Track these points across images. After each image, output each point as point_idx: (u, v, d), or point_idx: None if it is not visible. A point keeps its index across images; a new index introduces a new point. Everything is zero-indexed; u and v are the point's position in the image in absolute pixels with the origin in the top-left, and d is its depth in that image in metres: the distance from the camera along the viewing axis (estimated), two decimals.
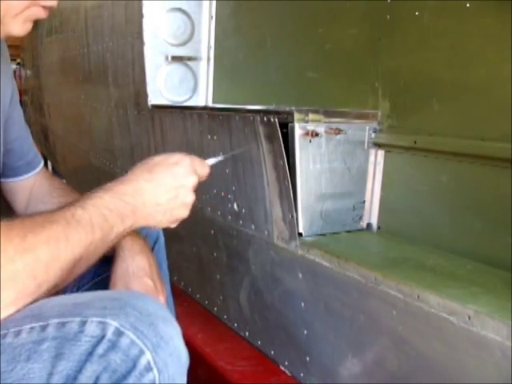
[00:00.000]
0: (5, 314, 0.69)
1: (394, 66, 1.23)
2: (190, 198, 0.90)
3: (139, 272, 0.98)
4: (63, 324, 0.67)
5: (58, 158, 3.88)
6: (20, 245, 0.69)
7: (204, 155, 1.55)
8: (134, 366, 0.65)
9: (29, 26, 0.88)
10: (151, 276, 0.98)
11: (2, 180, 1.14)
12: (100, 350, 0.65)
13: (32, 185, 1.16)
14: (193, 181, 0.91)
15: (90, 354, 0.65)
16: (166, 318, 0.71)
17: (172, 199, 0.88)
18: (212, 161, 1.00)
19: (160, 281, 1.00)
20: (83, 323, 0.67)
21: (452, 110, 1.10)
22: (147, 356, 0.66)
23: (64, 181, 1.19)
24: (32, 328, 0.67)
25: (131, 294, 0.76)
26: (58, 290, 0.76)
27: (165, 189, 0.87)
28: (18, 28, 0.87)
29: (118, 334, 0.66)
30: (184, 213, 0.90)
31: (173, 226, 0.91)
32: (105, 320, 0.66)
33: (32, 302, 0.71)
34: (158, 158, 0.90)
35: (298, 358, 1.24)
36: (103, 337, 0.65)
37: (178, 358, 0.70)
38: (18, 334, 0.67)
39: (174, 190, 0.88)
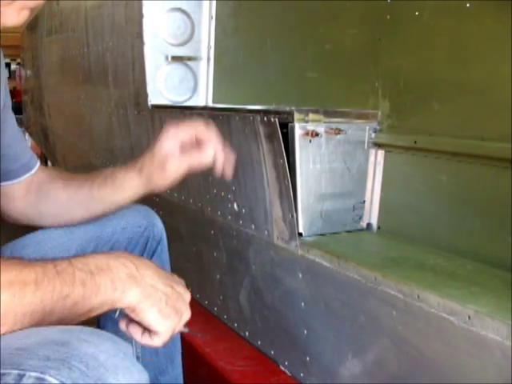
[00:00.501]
0: None
1: (394, 66, 1.23)
2: (187, 298, 0.83)
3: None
4: (0, 376, 0.59)
5: (58, 157, 3.89)
6: None
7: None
8: None
9: (25, 15, 0.82)
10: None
11: None
12: None
13: (28, 185, 1.14)
14: (188, 298, 0.84)
15: None
16: (118, 367, 0.62)
17: (168, 293, 0.79)
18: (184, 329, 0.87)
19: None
20: (20, 377, 0.59)
21: (452, 110, 1.10)
22: None
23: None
24: None
25: (83, 335, 0.65)
26: None
27: (164, 281, 0.80)
28: (14, 17, 0.81)
29: None
30: (183, 309, 0.81)
31: (170, 321, 0.78)
32: (44, 376, 0.58)
33: None
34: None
35: (298, 358, 1.24)
36: None
37: None
38: None
39: (170, 287, 0.80)
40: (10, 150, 1.07)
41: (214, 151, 1.06)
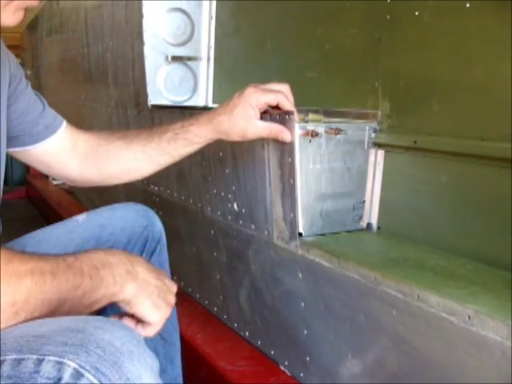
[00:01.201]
0: None
1: (394, 66, 1.23)
2: (171, 300, 0.87)
3: None
4: (19, 361, 0.62)
5: None
6: (3, 268, 0.67)
7: (204, 155, 1.56)
8: None
9: (20, 15, 0.85)
10: None
11: (28, 149, 1.16)
12: None
13: (70, 145, 1.20)
14: (175, 289, 0.89)
15: None
16: (133, 353, 0.65)
17: (158, 286, 0.84)
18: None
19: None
20: (39, 362, 0.61)
21: (452, 110, 1.10)
22: None
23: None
24: None
25: (97, 323, 0.68)
26: None
27: (154, 275, 0.85)
28: (9, 17, 0.85)
29: (77, 376, 0.60)
30: (171, 301, 0.86)
31: (162, 311, 0.84)
32: (63, 360, 0.61)
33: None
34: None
35: (298, 358, 1.24)
36: (60, 379, 0.60)
37: None
38: None
39: (160, 281, 0.85)
40: (26, 116, 1.14)
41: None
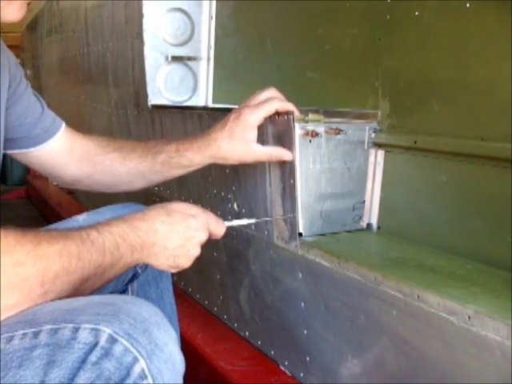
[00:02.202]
0: (6, 315, 0.69)
1: (394, 66, 1.23)
2: (196, 251, 0.91)
3: None
4: (56, 330, 0.66)
5: None
6: (33, 251, 0.70)
7: None
8: (128, 373, 0.64)
9: (24, 11, 0.88)
10: None
11: (27, 151, 1.17)
12: (93, 357, 0.64)
13: (68, 148, 1.21)
14: (202, 236, 0.92)
15: (83, 361, 0.63)
16: (160, 323, 0.70)
17: (179, 247, 0.88)
18: (231, 223, 1.01)
19: None
20: (76, 330, 0.65)
21: (452, 110, 1.10)
22: (141, 364, 0.65)
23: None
24: (24, 334, 0.66)
25: (125, 299, 0.74)
26: None
27: (176, 236, 0.88)
28: (15, 13, 0.87)
29: (112, 341, 0.64)
30: (186, 263, 0.91)
31: (173, 270, 0.92)
32: (98, 327, 0.65)
33: None
34: (177, 205, 0.91)
35: (298, 358, 1.24)
36: (96, 344, 0.64)
37: (172, 364, 0.69)
38: (10, 340, 0.66)
39: (183, 240, 0.88)
40: (26, 119, 1.15)
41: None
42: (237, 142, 1.07)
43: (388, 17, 1.22)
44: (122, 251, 0.81)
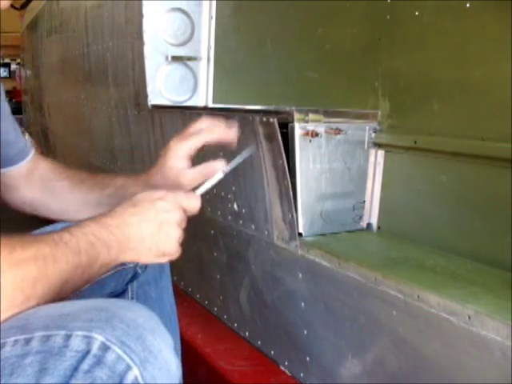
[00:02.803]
0: None
1: (394, 66, 1.23)
2: (175, 232, 0.89)
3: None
4: (48, 337, 0.65)
5: (58, 157, 3.89)
6: (8, 257, 0.69)
7: (204, 155, 1.55)
8: (121, 382, 0.63)
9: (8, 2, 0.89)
10: None
11: None
12: (85, 365, 0.62)
13: (27, 172, 1.19)
14: (176, 216, 0.89)
15: (75, 369, 0.62)
16: (155, 329, 0.69)
17: (155, 233, 0.86)
18: (201, 190, 0.97)
19: None
20: (68, 337, 0.64)
21: (452, 110, 1.10)
22: (134, 371, 0.63)
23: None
24: (16, 341, 0.65)
25: (120, 303, 0.73)
26: None
27: (148, 223, 0.86)
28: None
29: (104, 348, 0.63)
30: (170, 247, 0.89)
31: (162, 260, 0.89)
32: (90, 334, 0.64)
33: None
34: (142, 195, 0.89)
35: (298, 358, 1.24)
36: (88, 352, 0.63)
37: (167, 371, 0.68)
38: (2, 346, 0.65)
39: (156, 225, 0.87)
40: (6, 136, 1.12)
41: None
42: (168, 175, 1.08)
43: (388, 17, 1.22)
44: (98, 249, 0.79)
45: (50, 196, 1.21)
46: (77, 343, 0.64)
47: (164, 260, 0.90)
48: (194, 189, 0.98)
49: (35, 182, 1.21)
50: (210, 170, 1.07)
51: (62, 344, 0.64)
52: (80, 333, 0.64)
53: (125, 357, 0.64)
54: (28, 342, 0.65)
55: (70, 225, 0.82)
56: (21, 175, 1.19)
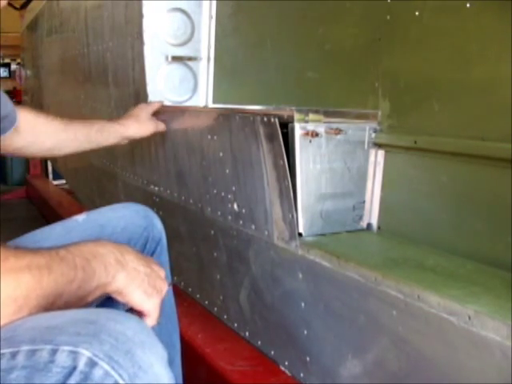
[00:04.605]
0: None
1: (394, 66, 1.23)
2: (163, 286, 0.90)
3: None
4: (33, 352, 0.63)
5: (58, 157, 3.88)
6: (2, 266, 0.68)
7: (204, 155, 1.56)
8: None
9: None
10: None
11: None
12: (72, 382, 0.60)
13: (16, 128, 1.35)
14: (163, 274, 0.92)
15: None
16: (145, 342, 0.66)
17: (148, 273, 0.87)
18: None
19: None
20: (54, 352, 0.62)
21: (452, 110, 1.10)
22: None
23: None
24: (3, 355, 0.63)
25: (109, 315, 0.70)
26: None
27: (143, 262, 0.87)
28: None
29: (91, 364, 0.61)
30: (161, 287, 0.89)
31: (148, 298, 0.86)
32: (77, 349, 0.62)
33: None
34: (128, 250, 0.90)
35: (298, 358, 1.24)
36: (75, 368, 0.61)
37: None
38: None
39: (149, 269, 0.88)
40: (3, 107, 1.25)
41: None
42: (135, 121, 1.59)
43: (388, 17, 1.22)
44: (94, 265, 0.78)
45: (44, 136, 1.42)
46: (63, 359, 0.62)
47: (156, 299, 0.87)
48: None
49: (24, 131, 1.37)
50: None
51: (48, 359, 0.62)
52: (66, 348, 0.62)
53: (113, 373, 0.62)
54: (14, 356, 0.63)
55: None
56: (11, 135, 1.33)
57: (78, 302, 0.77)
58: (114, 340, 0.64)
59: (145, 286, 0.85)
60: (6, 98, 1.27)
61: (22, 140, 1.38)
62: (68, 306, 0.75)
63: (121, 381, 0.62)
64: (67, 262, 0.75)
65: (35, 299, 0.70)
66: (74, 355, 0.62)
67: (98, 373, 0.61)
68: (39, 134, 1.41)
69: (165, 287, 0.89)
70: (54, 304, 0.73)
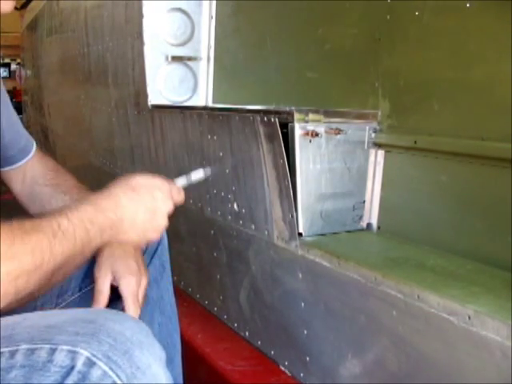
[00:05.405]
0: None
1: (394, 66, 1.23)
2: (164, 222, 0.92)
3: (125, 254, 0.97)
4: (32, 351, 0.63)
5: (58, 157, 3.89)
6: (7, 251, 0.68)
7: (204, 155, 1.56)
8: None
9: (13, 3, 0.90)
10: (136, 259, 0.97)
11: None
12: (69, 382, 0.61)
13: (25, 168, 1.20)
14: (169, 206, 0.93)
15: None
16: (143, 343, 0.67)
17: (148, 221, 0.89)
18: (183, 183, 1.03)
19: (144, 265, 0.99)
20: (53, 351, 0.63)
21: (452, 110, 1.10)
22: None
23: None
24: (1, 353, 0.64)
25: (108, 314, 0.71)
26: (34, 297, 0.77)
27: (143, 209, 0.89)
28: (7, 4, 0.89)
29: (89, 364, 0.61)
30: (156, 236, 0.92)
31: (141, 244, 0.92)
32: (75, 349, 0.62)
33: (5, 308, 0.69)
34: (141, 179, 0.91)
35: (298, 358, 1.24)
36: (73, 367, 0.61)
37: None
38: None
39: (151, 213, 0.89)
40: (5, 137, 1.11)
41: None
42: None
43: (388, 17, 1.22)
44: (92, 235, 0.80)
45: (32, 199, 1.22)
46: (61, 358, 0.62)
47: (143, 244, 0.93)
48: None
49: (27, 183, 1.22)
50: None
51: (47, 359, 0.62)
52: (65, 347, 0.63)
53: (110, 373, 0.62)
54: (13, 354, 0.63)
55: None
56: (23, 171, 1.20)
57: (74, 268, 0.80)
58: (112, 340, 0.64)
59: (135, 240, 0.89)
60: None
61: (21, 193, 1.23)
62: (65, 276, 0.79)
63: (119, 381, 0.62)
64: (68, 237, 0.76)
65: (34, 281, 0.71)
66: (73, 355, 0.62)
67: (96, 373, 0.61)
68: (30, 196, 1.23)
69: (157, 238, 0.93)
70: (52, 279, 0.75)
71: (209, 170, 1.09)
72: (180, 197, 0.97)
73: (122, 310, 0.87)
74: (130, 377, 0.63)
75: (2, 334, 0.66)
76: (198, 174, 1.06)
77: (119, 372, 0.62)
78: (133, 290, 0.93)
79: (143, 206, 0.88)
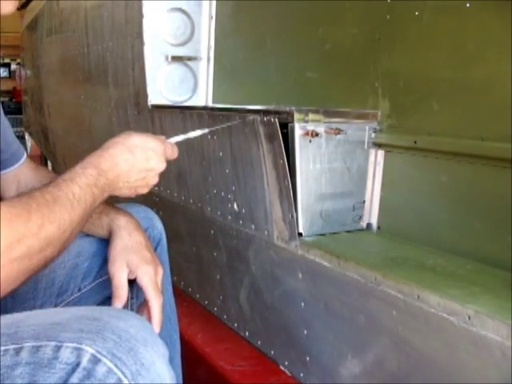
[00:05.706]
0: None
1: (394, 66, 1.23)
2: (155, 181, 0.96)
3: (138, 246, 1.00)
4: (37, 348, 0.64)
5: (58, 157, 3.89)
6: (11, 231, 0.68)
7: (204, 155, 1.56)
8: None
9: (15, 4, 0.94)
10: (149, 249, 1.00)
11: None
12: (75, 379, 0.61)
13: (18, 175, 1.19)
14: (161, 167, 0.96)
15: (65, 382, 0.61)
16: (147, 340, 0.67)
17: (140, 180, 0.93)
18: (177, 139, 1.05)
19: (154, 255, 1.02)
20: (58, 348, 0.63)
21: (452, 110, 1.10)
22: None
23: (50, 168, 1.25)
24: (6, 351, 0.64)
25: (112, 312, 0.71)
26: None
27: (137, 170, 0.92)
28: (6, 5, 0.93)
29: (94, 361, 0.62)
30: (144, 191, 0.96)
31: (131, 196, 0.96)
32: (80, 346, 0.63)
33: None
34: (137, 139, 0.94)
35: (298, 358, 1.24)
36: (78, 364, 0.62)
37: None
38: None
39: (144, 173, 0.93)
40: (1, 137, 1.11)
41: None
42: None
43: (388, 17, 1.22)
44: (96, 197, 0.84)
45: None
46: (67, 355, 0.62)
47: (133, 196, 0.96)
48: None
49: (22, 191, 1.16)
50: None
51: (52, 356, 0.63)
52: (70, 344, 0.63)
53: (116, 370, 0.62)
54: (18, 352, 0.64)
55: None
56: (15, 177, 1.19)
57: (80, 229, 0.82)
58: (117, 337, 0.65)
59: (130, 193, 0.93)
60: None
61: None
62: (71, 239, 0.79)
63: (124, 378, 0.62)
64: (81, 205, 0.79)
65: (37, 259, 0.71)
66: (78, 352, 0.63)
67: (101, 370, 0.62)
68: None
69: (146, 191, 0.96)
70: (62, 246, 0.76)
71: (206, 130, 1.15)
72: (174, 154, 0.99)
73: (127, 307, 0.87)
74: (134, 374, 0.63)
75: (7, 332, 0.66)
76: (195, 133, 1.10)
77: (124, 369, 0.63)
78: (151, 278, 0.96)
79: (137, 166, 0.92)
